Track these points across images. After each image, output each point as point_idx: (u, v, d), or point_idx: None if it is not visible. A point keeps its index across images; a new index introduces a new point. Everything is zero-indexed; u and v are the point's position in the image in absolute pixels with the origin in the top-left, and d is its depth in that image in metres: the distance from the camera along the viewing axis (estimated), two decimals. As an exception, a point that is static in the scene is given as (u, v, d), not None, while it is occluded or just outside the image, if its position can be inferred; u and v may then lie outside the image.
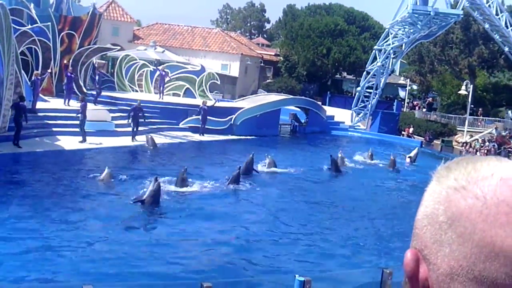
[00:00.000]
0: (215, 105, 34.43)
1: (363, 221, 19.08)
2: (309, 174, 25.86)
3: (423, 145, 43.18)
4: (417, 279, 0.92)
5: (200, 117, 32.98)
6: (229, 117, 34.78)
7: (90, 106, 27.89)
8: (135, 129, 28.45)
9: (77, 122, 26.09)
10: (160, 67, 37.20)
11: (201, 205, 18.58)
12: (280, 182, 23.77)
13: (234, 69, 56.98)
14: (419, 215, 0.95)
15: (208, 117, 33.10)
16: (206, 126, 33.09)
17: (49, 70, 30.45)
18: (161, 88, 35.61)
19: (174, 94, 37.58)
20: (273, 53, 67.77)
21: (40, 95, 28.57)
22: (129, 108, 29.55)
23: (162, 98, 34.92)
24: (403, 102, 57.72)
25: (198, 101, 36.02)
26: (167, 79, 36.70)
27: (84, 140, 26.04)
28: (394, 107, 48.93)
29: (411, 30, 42.09)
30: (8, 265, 11.91)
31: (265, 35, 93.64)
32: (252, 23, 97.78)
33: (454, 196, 0.91)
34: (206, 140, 32.44)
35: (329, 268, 13.65)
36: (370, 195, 23.45)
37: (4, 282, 11.01)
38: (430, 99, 60.30)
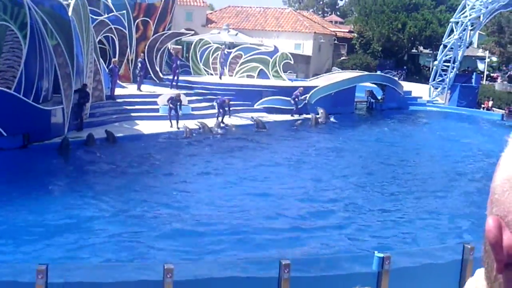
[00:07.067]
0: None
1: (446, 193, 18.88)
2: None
3: (504, 118, 41.97)
4: (501, 247, 0.86)
5: (292, 100, 33.68)
6: (303, 96, 34.66)
7: (167, 90, 28.59)
8: (219, 117, 29.27)
9: (154, 106, 26.73)
10: (227, 50, 37.61)
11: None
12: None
13: (307, 48, 56.66)
14: (497, 180, 0.89)
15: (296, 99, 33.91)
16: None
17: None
18: (222, 68, 36.52)
19: (248, 76, 37.75)
20: (347, 30, 66.88)
21: (118, 81, 29.32)
22: (205, 91, 30.37)
23: (220, 78, 35.60)
24: (482, 75, 56.06)
25: (272, 81, 36.10)
26: (231, 58, 37.46)
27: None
28: (473, 80, 47.56)
29: (490, 0, 40.71)
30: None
31: (338, 12, 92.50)
32: (324, 0, 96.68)
33: None
34: (281, 119, 32.45)
35: (408, 242, 13.57)
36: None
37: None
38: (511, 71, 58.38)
